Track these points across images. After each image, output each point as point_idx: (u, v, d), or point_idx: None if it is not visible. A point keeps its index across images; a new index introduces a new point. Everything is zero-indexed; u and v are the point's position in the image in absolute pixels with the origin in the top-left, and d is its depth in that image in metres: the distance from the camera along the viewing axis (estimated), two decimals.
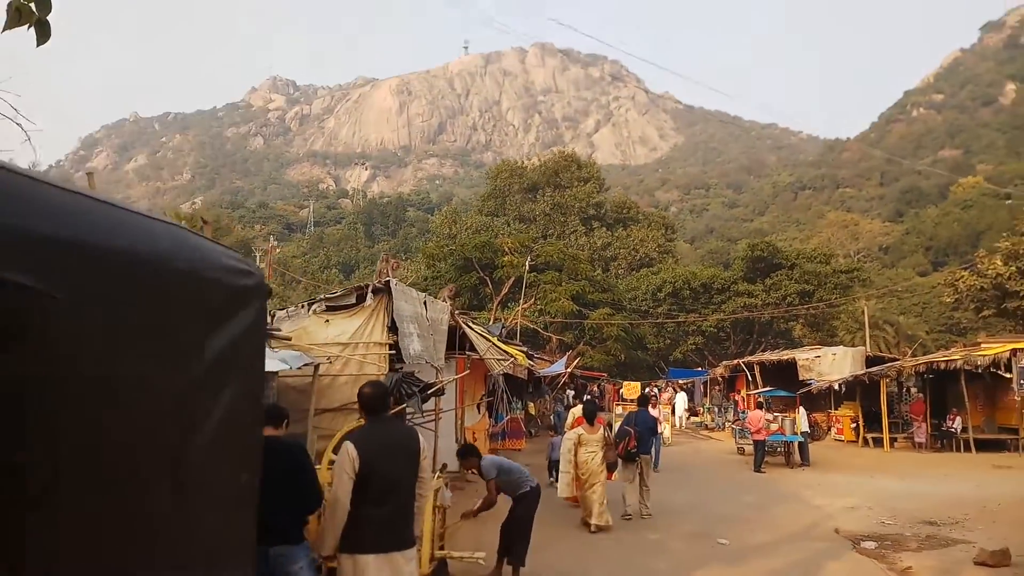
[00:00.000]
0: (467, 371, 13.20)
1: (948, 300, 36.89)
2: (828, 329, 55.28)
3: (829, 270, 53.33)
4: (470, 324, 15.00)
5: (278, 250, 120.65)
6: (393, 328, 10.36)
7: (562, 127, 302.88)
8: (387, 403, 5.02)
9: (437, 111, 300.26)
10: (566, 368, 27.86)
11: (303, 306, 10.58)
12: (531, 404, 24.21)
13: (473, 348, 14.18)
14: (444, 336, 12.51)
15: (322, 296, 10.68)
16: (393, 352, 10.33)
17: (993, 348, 22.63)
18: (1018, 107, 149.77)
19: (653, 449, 14.01)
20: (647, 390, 33.10)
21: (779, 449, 21.03)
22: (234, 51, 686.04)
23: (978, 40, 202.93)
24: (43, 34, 3.16)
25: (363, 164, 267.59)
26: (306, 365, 9.70)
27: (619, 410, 29.54)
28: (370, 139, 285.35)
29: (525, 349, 21.20)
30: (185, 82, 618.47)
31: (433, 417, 11.98)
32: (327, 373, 10.29)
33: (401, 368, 10.75)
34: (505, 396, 18.44)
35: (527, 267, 36.42)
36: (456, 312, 14.12)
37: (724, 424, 33.89)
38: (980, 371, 22.49)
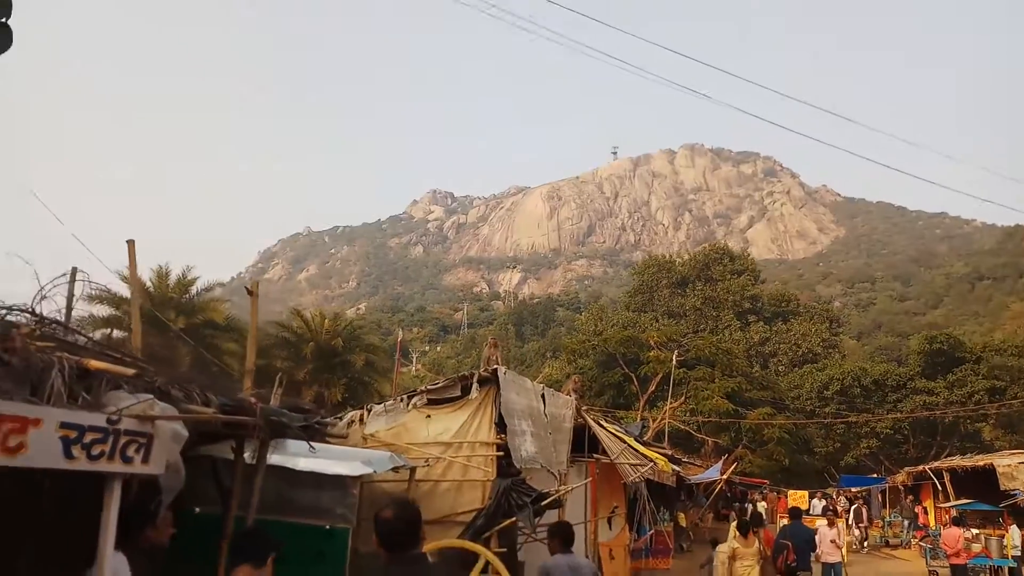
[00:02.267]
0: (588, 479, 11.46)
1: None
2: None
3: None
4: (601, 423, 13.34)
5: (433, 350, 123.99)
6: (501, 425, 8.98)
7: (713, 224, 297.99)
8: (417, 536, 3.54)
9: (586, 214, 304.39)
10: (721, 474, 25.18)
11: (402, 399, 9.42)
12: (681, 515, 21.74)
13: (605, 451, 12.51)
14: (567, 435, 10.96)
15: (423, 387, 9.48)
16: (502, 453, 8.89)
17: None
18: None
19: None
20: (815, 500, 29.59)
21: (983, 575, 17.48)
22: (399, 167, 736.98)
23: None
24: (4, 38, 3.01)
25: (515, 267, 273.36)
26: (399, 468, 8.46)
27: (783, 522, 26.20)
28: (521, 243, 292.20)
29: (669, 452, 19.07)
30: (354, 197, 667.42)
31: None
32: (427, 479, 8.97)
33: (517, 473, 9.26)
34: (649, 506, 16.39)
35: (674, 362, 34.10)
36: (585, 407, 12.55)
37: (910, 541, 29.41)
38: None
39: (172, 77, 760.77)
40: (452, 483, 8.92)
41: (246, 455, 5.96)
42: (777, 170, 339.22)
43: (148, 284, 29.88)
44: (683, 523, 22.18)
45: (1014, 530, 18.71)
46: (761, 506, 35.12)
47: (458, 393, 9.20)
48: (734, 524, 13.06)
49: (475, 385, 9.00)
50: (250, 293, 5.84)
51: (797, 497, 32.73)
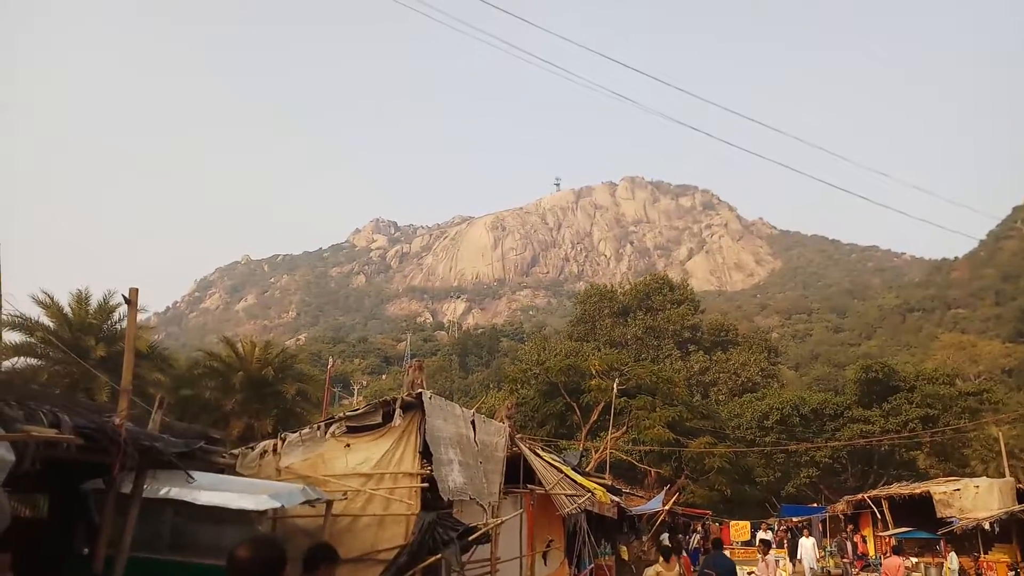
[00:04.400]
0: (522, 511, 10.81)
1: None
2: (958, 458, 49.97)
3: (954, 392, 48.78)
4: (537, 451, 12.74)
5: (375, 382, 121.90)
6: (427, 454, 8.32)
7: (654, 255, 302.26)
8: None
9: (530, 245, 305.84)
10: (664, 505, 24.73)
11: (319, 428, 8.68)
12: (623, 548, 21.14)
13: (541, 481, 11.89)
14: (500, 465, 10.32)
15: (341, 415, 8.76)
16: (427, 485, 8.22)
17: None
18: None
19: None
20: (760, 532, 29.32)
21: None
22: (341, 196, 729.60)
23: None
24: None
25: (459, 297, 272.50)
26: (314, 502, 7.73)
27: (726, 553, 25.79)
28: (466, 273, 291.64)
29: (609, 482, 18.52)
30: (294, 226, 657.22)
31: (487, 570, 9.62)
32: (345, 513, 8.24)
33: (443, 506, 8.58)
34: (589, 539, 15.79)
35: (615, 390, 33.73)
36: (525, 437, 11.94)
37: (850, 571, 29.32)
38: None
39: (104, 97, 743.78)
40: (373, 518, 8.20)
41: (128, 487, 5.22)
42: (715, 203, 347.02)
43: (66, 309, 28.34)
44: (625, 556, 21.57)
45: (952, 557, 18.67)
46: (696, 537, 34.85)
47: (380, 420, 8.51)
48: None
49: (398, 411, 8.33)
50: (128, 302, 5.14)
51: (739, 528, 32.50)
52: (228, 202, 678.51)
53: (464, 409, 9.61)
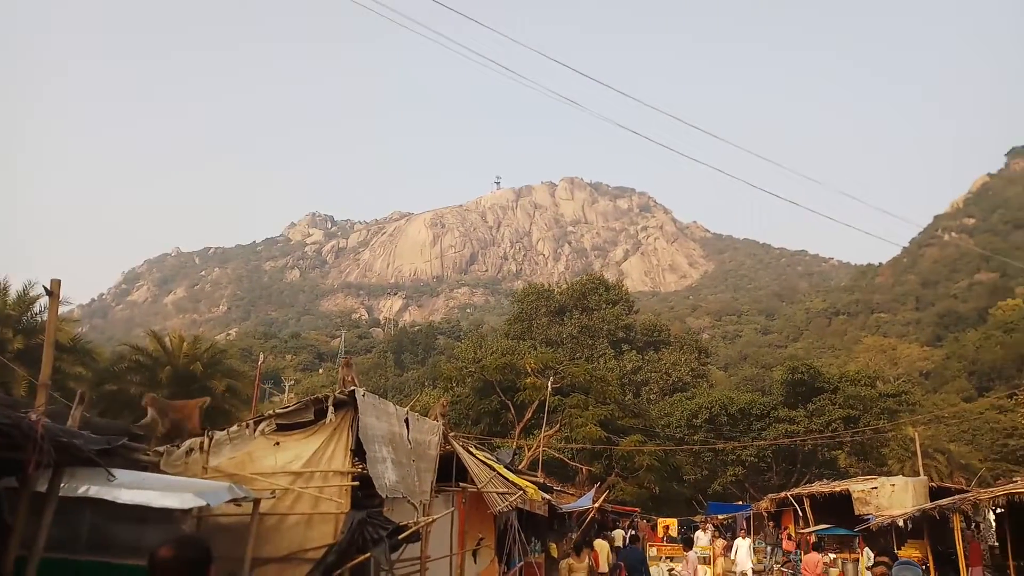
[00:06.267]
0: (453, 509, 10.83)
1: None
2: (876, 458, 51.89)
3: (875, 394, 50.50)
4: (470, 449, 12.77)
5: (307, 379, 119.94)
6: (359, 452, 8.27)
7: (591, 256, 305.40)
8: None
9: (469, 242, 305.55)
10: (594, 503, 25.02)
11: (248, 425, 8.53)
12: (553, 545, 21.34)
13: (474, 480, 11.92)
14: (432, 463, 10.31)
15: (272, 412, 8.63)
16: (357, 483, 8.16)
17: None
18: None
19: None
20: (700, 532, 29.82)
21: None
22: (277, 188, 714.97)
23: (1005, 165, 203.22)
24: None
25: (396, 294, 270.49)
26: (240, 501, 7.59)
27: (653, 551, 26.27)
28: (403, 270, 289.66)
29: (541, 480, 18.67)
30: (227, 218, 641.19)
31: (417, 568, 9.61)
32: (273, 512, 8.13)
33: (374, 504, 8.53)
34: (519, 537, 15.90)
35: (549, 388, 33.98)
36: (457, 435, 11.95)
37: (772, 567, 30.17)
38: None
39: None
40: (301, 516, 8.10)
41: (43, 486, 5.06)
42: (651, 205, 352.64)
43: None
44: (555, 554, 21.77)
45: (867, 552, 19.38)
46: (618, 533, 35.32)
47: (311, 417, 8.41)
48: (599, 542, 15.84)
49: (330, 409, 8.26)
50: (49, 293, 4.98)
51: (666, 525, 33.09)
52: (158, 193, 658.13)
53: (398, 407, 9.57)
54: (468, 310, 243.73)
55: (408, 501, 8.92)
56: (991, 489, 24.75)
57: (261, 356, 34.71)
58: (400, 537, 8.08)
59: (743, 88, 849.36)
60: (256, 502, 7.68)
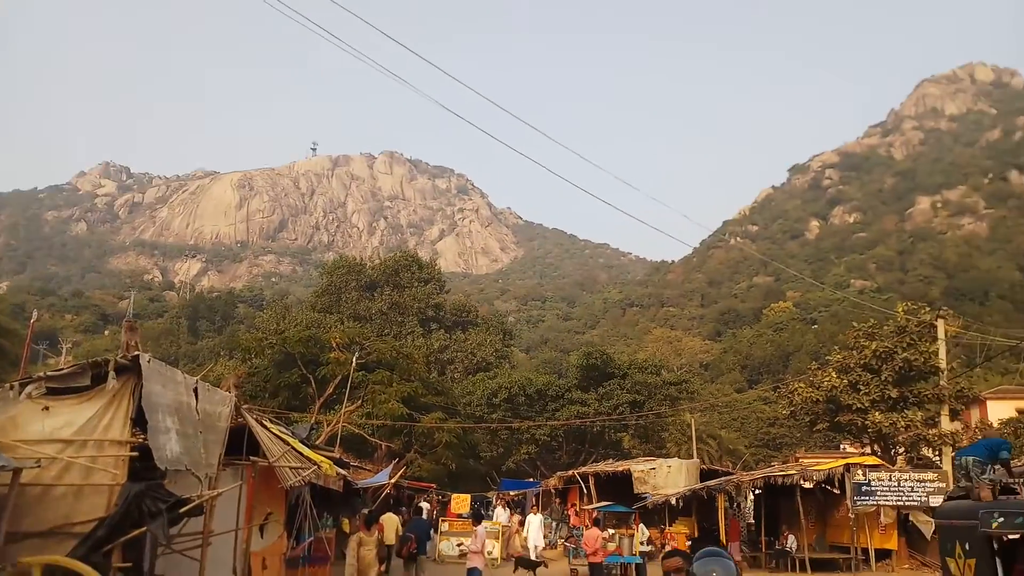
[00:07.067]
0: (241, 482, 10.54)
1: (784, 411, 37.45)
2: (657, 440, 55.57)
3: (659, 381, 53.96)
4: (264, 423, 12.43)
5: (88, 341, 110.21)
6: (141, 421, 7.82)
7: (407, 233, 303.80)
8: None
9: (279, 208, 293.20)
10: (390, 478, 25.12)
11: (12, 387, 7.81)
12: (346, 521, 21.22)
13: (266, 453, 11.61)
14: (222, 435, 9.95)
15: (42, 374, 7.95)
16: (136, 454, 7.73)
17: (826, 463, 22.33)
18: (821, 241, 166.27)
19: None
20: (499, 508, 30.65)
21: (615, 572, 19.28)
22: (64, 130, 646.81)
23: (787, 180, 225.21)
24: None
25: (195, 257, 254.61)
26: None
27: (445, 526, 26.85)
28: (205, 231, 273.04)
29: (338, 455, 18.52)
30: (3, 158, 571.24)
31: (199, 543, 9.24)
32: (36, 482, 7.52)
33: (155, 476, 8.10)
34: (311, 512, 15.67)
35: (354, 364, 33.57)
36: (251, 407, 11.57)
37: (556, 542, 31.78)
38: (812, 487, 22.06)
39: None
40: (70, 488, 7.56)
41: None
42: (469, 188, 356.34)
43: None
44: (347, 529, 21.65)
45: (642, 528, 20.93)
46: (424, 505, 35.85)
47: (88, 383, 7.85)
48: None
49: (111, 374, 7.74)
50: None
51: (460, 501, 33.87)
52: None
53: (188, 376, 9.14)
54: (273, 279, 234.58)
55: (193, 474, 8.56)
56: (752, 473, 27.64)
57: (35, 313, 31.54)
58: (181, 511, 7.76)
59: (571, 81, 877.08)
60: (16, 472, 7.08)
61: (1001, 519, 5.64)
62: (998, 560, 5.91)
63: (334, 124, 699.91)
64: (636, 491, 28.08)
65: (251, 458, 11.31)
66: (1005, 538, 5.80)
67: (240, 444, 11.27)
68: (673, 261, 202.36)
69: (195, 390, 9.00)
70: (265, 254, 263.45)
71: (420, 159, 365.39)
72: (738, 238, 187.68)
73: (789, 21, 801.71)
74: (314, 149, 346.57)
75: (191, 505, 7.86)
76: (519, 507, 35.94)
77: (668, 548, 25.93)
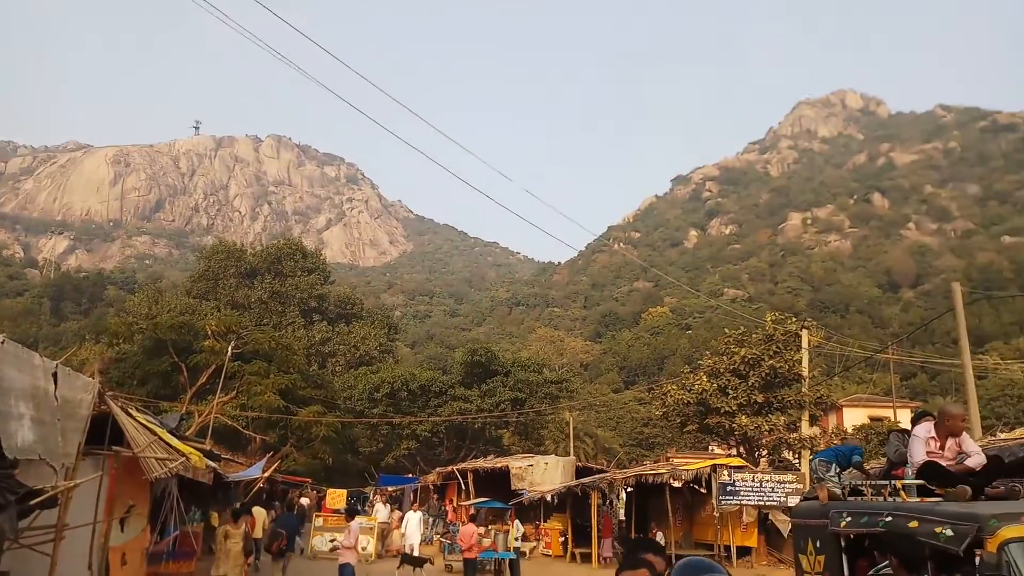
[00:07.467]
0: (101, 473, 10.05)
1: (657, 412, 38.82)
2: (536, 438, 56.42)
3: (541, 379, 54.78)
4: (130, 412, 11.87)
5: None
6: None
7: (292, 220, 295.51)
8: None
9: (157, 187, 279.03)
10: (264, 472, 24.47)
11: None
12: (215, 514, 20.54)
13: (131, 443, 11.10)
14: (82, 423, 9.45)
15: None
16: None
17: (695, 464, 23.30)
18: (698, 251, 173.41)
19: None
20: (379, 504, 30.35)
21: (489, 567, 19.49)
22: None
23: (669, 190, 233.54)
24: None
25: (62, 234, 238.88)
26: None
27: (320, 522, 26.39)
28: (74, 207, 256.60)
29: (208, 447, 17.89)
30: None
31: (52, 537, 8.74)
32: None
33: (4, 466, 7.60)
34: (177, 505, 15.10)
35: (229, 353, 32.47)
36: (116, 394, 11.03)
37: (432, 538, 31.73)
38: (681, 486, 22.98)
39: None
40: None
41: None
42: (359, 178, 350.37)
43: None
44: (215, 523, 20.96)
45: (517, 525, 21.25)
46: (304, 501, 35.16)
47: None
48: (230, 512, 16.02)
49: None
50: None
51: (336, 496, 33.35)
52: None
53: (47, 360, 8.62)
54: (147, 261, 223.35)
55: (48, 463, 8.09)
56: (625, 471, 28.51)
57: None
58: (32, 503, 7.32)
59: (472, 86, 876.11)
60: None
61: (848, 518, 6.10)
62: (844, 556, 6.39)
63: (219, 103, 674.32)
64: (513, 487, 28.49)
65: (114, 448, 10.78)
66: (851, 535, 6.27)
67: (103, 433, 10.73)
68: (560, 263, 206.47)
69: (55, 375, 8.50)
70: (139, 235, 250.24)
71: (309, 145, 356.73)
72: (621, 244, 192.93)
73: (683, 39, 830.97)
74: (196, 128, 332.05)
75: (44, 496, 7.42)
76: (397, 503, 35.72)
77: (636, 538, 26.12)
